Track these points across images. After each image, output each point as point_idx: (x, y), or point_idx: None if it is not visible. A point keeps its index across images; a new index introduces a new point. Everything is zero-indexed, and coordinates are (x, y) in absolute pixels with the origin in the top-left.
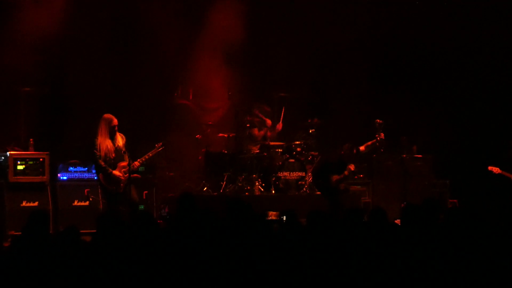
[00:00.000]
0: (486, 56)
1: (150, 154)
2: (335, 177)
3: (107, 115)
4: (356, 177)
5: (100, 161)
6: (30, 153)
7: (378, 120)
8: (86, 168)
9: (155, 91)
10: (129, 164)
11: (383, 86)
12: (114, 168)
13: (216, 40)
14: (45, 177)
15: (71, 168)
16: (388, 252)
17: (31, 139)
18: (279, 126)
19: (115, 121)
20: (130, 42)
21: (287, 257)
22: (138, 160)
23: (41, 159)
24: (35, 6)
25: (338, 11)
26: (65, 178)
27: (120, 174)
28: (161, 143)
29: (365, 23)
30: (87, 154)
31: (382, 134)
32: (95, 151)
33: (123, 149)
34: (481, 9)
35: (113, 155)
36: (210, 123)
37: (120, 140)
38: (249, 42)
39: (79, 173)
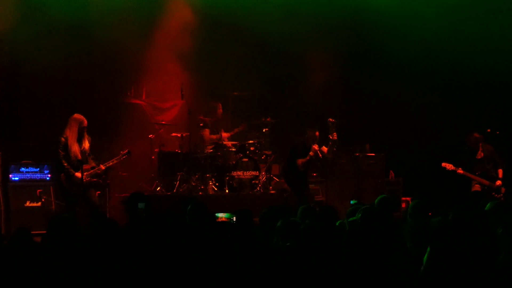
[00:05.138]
0: (438, 54)
1: (115, 161)
2: (301, 161)
3: (78, 116)
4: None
5: (63, 161)
6: None
7: (331, 119)
8: (38, 169)
9: (108, 90)
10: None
11: (336, 85)
12: (78, 170)
13: (169, 39)
14: None
15: (23, 168)
16: (339, 250)
17: None
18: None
19: (85, 122)
20: (83, 40)
21: (242, 255)
22: (101, 165)
23: None
24: None
25: (291, 9)
26: (17, 178)
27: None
28: (127, 150)
29: (318, 22)
30: (52, 152)
31: (335, 134)
32: (59, 150)
33: (88, 152)
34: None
35: (80, 157)
36: (163, 122)
37: (86, 142)
38: (202, 41)
39: (31, 173)
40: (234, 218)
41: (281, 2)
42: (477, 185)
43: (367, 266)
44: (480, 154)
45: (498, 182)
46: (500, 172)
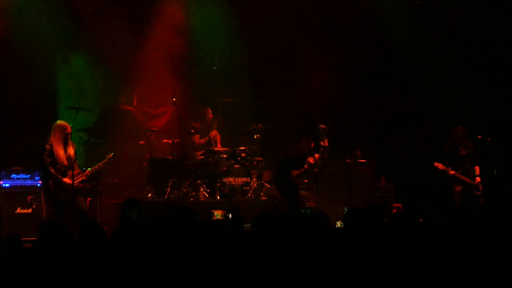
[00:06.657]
0: (426, 60)
1: (101, 165)
2: (295, 172)
3: (61, 122)
4: (316, 169)
5: (50, 167)
6: None
7: (322, 125)
8: (29, 175)
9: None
10: (79, 173)
11: (327, 92)
12: (65, 176)
13: (160, 45)
14: None
15: (13, 175)
16: (330, 256)
17: None
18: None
19: (69, 128)
20: (72, 47)
21: (234, 263)
22: (88, 170)
23: None
24: None
25: (279, 16)
26: (7, 185)
27: (70, 182)
28: (111, 154)
29: (310, 29)
30: (37, 160)
31: (326, 141)
32: (45, 156)
33: (73, 158)
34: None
35: (66, 163)
36: (155, 129)
37: (71, 148)
38: (193, 47)
39: (21, 180)
40: (230, 215)
41: (273, 9)
42: (457, 185)
43: (355, 272)
44: (462, 151)
45: (478, 179)
46: (477, 169)
